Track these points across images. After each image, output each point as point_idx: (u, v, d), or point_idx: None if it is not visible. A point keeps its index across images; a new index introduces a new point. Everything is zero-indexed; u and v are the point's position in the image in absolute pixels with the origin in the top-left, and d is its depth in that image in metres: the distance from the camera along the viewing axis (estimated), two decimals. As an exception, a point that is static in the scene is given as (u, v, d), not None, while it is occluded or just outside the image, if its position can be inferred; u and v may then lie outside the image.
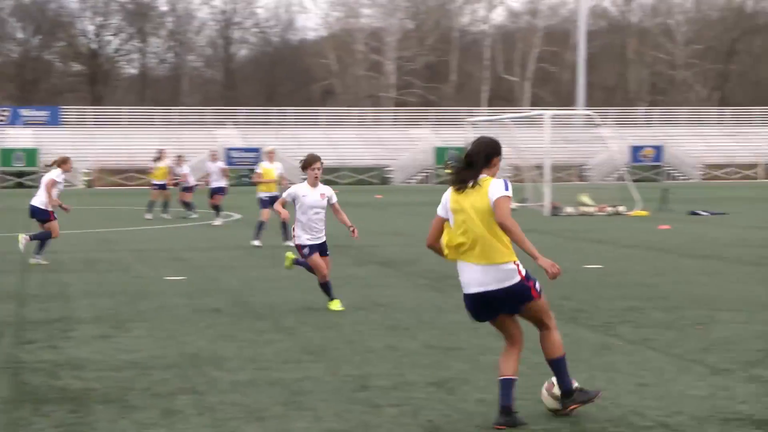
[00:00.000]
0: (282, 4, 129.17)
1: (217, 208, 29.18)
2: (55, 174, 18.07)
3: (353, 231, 13.07)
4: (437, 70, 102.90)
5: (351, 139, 79.71)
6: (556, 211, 32.41)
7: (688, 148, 79.54)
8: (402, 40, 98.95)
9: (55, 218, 18.13)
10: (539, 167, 38.04)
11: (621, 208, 32.53)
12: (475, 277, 7.35)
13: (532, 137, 67.27)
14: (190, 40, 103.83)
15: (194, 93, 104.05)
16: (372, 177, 74.16)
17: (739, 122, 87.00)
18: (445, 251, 7.39)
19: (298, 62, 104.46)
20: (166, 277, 16.10)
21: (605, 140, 45.25)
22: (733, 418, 7.31)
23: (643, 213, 31.67)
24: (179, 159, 33.23)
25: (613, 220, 30.13)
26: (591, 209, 32.66)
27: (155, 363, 9.48)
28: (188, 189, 32.62)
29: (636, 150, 76.63)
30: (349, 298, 13.52)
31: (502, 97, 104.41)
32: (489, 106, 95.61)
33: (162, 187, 32.19)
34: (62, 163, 18.09)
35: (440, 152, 74.25)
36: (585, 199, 34.06)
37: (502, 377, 7.35)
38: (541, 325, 7.66)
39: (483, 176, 7.34)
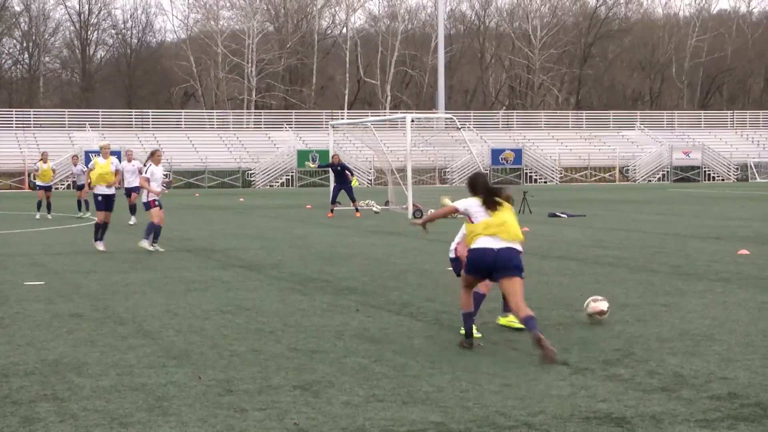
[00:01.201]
0: (140, 6, 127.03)
1: (133, 208, 30.58)
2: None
3: None
4: (298, 73, 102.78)
5: (213, 142, 79.02)
6: (418, 213, 32.67)
7: (546, 151, 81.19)
8: (262, 42, 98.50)
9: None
10: (401, 170, 38.33)
11: (482, 211, 32.95)
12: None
13: (394, 140, 67.83)
14: (45, 41, 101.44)
15: (51, 95, 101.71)
16: (234, 180, 73.62)
17: (595, 126, 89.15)
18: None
19: (157, 64, 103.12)
20: (26, 282, 15.72)
21: (466, 143, 45.83)
22: (594, 417, 7.49)
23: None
24: (74, 158, 34.82)
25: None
26: (453, 212, 33.00)
27: (15, 370, 9.24)
28: (82, 187, 34.08)
29: (496, 153, 77.88)
30: (212, 302, 13.40)
31: (364, 100, 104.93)
32: (350, 109, 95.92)
33: (47, 188, 33.51)
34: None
35: (302, 155, 74.16)
36: (447, 201, 34.35)
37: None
38: None
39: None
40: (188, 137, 78.69)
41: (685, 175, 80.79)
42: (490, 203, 10.42)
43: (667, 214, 33.92)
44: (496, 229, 10.18)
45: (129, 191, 30.86)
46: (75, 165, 36.25)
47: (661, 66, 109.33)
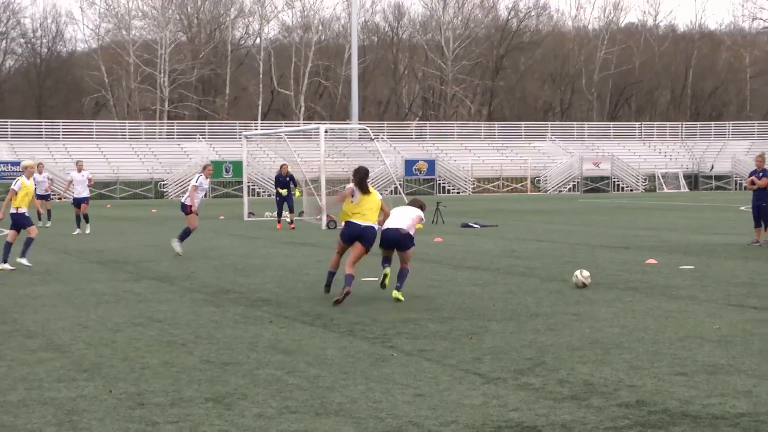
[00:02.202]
0: (50, 15, 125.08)
1: (86, 218, 30.90)
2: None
3: None
4: (212, 83, 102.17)
5: (124, 153, 78.15)
6: (332, 224, 32.66)
7: (459, 162, 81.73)
8: (175, 52, 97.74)
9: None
10: (315, 181, 38.29)
11: (396, 221, 33.04)
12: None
13: (308, 151, 67.75)
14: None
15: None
16: (146, 191, 72.86)
17: (507, 137, 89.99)
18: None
19: (68, 74, 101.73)
20: (-72, 296, 15.38)
21: (380, 154, 46.04)
22: (505, 426, 7.55)
23: (418, 226, 32.29)
24: (39, 166, 34.42)
25: (388, 232, 30.61)
26: (366, 222, 33.03)
27: None
28: (44, 197, 33.97)
29: (410, 164, 78.19)
30: (124, 315, 13.24)
31: (277, 110, 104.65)
32: (264, 119, 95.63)
33: None
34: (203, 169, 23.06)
35: (216, 166, 73.67)
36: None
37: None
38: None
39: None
40: (100, 148, 77.70)
41: (595, 185, 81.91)
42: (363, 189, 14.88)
43: (577, 224, 34.36)
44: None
45: (79, 201, 30.85)
46: (40, 173, 34.69)
47: (571, 78, 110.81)
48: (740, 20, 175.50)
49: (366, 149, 75.73)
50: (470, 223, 33.30)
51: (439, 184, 78.75)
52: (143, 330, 12.03)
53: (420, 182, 78.00)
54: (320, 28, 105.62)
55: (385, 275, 15.03)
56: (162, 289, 16.15)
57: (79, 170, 31.62)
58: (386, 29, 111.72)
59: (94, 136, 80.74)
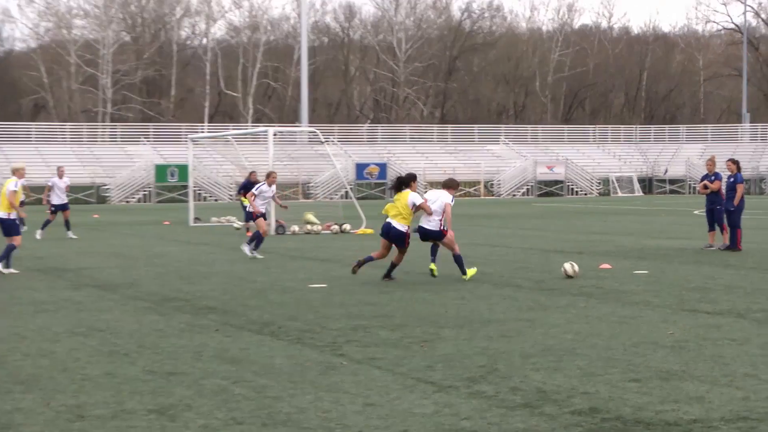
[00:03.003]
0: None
1: (67, 224, 31.26)
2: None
3: None
4: (156, 84, 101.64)
5: (65, 156, 77.41)
6: (281, 229, 32.60)
7: (411, 166, 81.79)
8: (118, 53, 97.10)
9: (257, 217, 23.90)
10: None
11: (347, 227, 33.08)
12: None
13: (256, 154, 67.58)
14: None
15: None
16: (88, 196, 72.26)
17: (460, 140, 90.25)
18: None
19: (5, 75, 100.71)
20: None
21: (330, 157, 46.04)
22: (457, 434, 7.56)
23: (369, 231, 32.33)
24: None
25: (338, 238, 30.60)
26: (316, 228, 33.04)
27: None
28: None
29: (361, 167, 78.21)
30: (63, 324, 13.12)
31: (225, 113, 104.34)
32: (211, 122, 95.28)
33: None
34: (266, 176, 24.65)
35: (161, 170, 73.27)
36: (310, 217, 34.42)
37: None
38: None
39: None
40: (38, 151, 76.95)
41: (549, 189, 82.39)
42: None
43: (531, 228, 34.55)
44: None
45: (57, 208, 31.39)
46: None
47: (525, 80, 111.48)
48: (694, 23, 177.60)
49: (316, 152, 75.60)
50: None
51: (391, 188, 78.82)
52: (84, 340, 11.93)
53: (371, 186, 78.05)
54: (269, 28, 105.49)
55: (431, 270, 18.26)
56: (104, 298, 16.02)
57: (61, 176, 31.94)
58: (337, 30, 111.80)
59: (33, 139, 79.95)
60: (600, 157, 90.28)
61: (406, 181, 18.28)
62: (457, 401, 8.59)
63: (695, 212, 45.74)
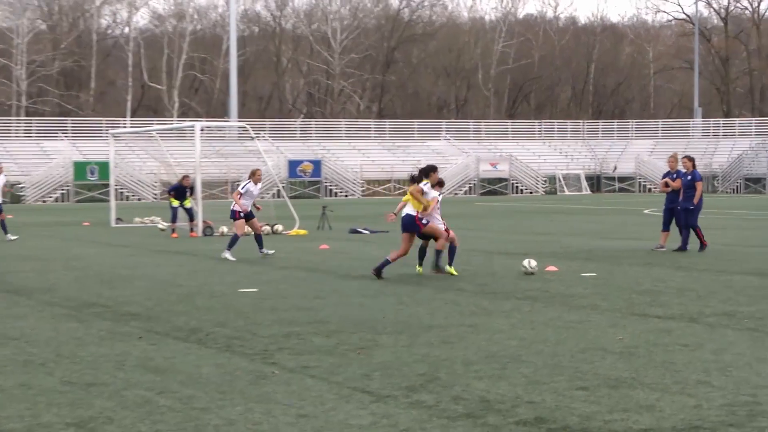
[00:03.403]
0: None
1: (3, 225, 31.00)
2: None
3: None
4: (75, 76, 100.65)
5: (-24, 153, 76.48)
6: (208, 230, 32.44)
7: (347, 163, 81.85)
8: (33, 42, 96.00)
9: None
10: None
11: (279, 227, 33.00)
12: None
13: (182, 151, 67.19)
14: None
15: None
16: (1, 195, 71.32)
17: (398, 136, 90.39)
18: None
19: None
20: None
21: (261, 154, 45.86)
22: (396, 446, 7.57)
23: (302, 232, 32.29)
24: None
25: (270, 240, 30.52)
26: (247, 229, 32.85)
27: None
28: None
29: (294, 165, 78.08)
30: (-25, 333, 12.95)
31: (149, 106, 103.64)
32: (134, 116, 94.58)
33: None
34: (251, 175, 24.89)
35: (80, 167, 72.61)
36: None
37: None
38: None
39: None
40: (-52, 147, 75.96)
41: (493, 187, 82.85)
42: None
43: (473, 229, 34.69)
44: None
45: None
46: None
47: (467, 72, 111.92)
48: (643, 13, 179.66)
49: (246, 149, 75.32)
50: (359, 229, 33.37)
51: (326, 186, 78.79)
52: (-3, 349, 11.79)
53: (305, 184, 77.94)
54: (195, 17, 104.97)
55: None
56: (18, 303, 15.84)
57: None
58: (268, 19, 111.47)
59: (-58, 135, 78.88)
60: (546, 153, 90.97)
61: (426, 172, 19.92)
62: (395, 411, 8.59)
63: (645, 211, 46.23)
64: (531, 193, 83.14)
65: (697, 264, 21.27)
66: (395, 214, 20.12)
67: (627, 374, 9.98)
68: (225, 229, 32.58)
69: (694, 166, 24.85)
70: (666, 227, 24.87)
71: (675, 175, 24.90)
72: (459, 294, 16.48)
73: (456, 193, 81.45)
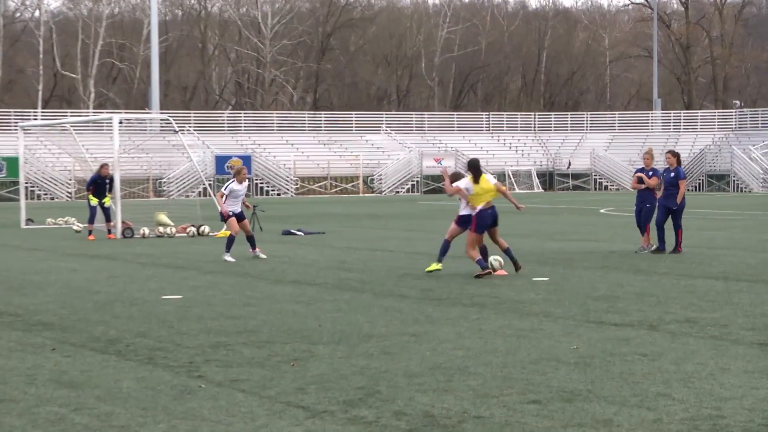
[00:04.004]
0: None
1: None
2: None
3: None
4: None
5: None
6: (128, 232, 32.24)
7: (280, 158, 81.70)
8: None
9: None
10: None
11: (205, 229, 32.88)
12: None
13: (99, 145, 66.71)
14: None
15: None
16: None
17: (335, 129, 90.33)
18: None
19: None
20: None
21: (185, 149, 45.61)
22: (334, 465, 7.57)
23: (225, 233, 32.15)
24: None
25: (196, 242, 30.40)
26: (170, 230, 32.77)
27: None
28: None
29: (222, 160, 77.80)
30: None
31: (62, 97, 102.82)
32: (45, 108, 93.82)
33: None
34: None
35: (-14, 163, 71.77)
36: (163, 217, 34.12)
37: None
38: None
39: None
40: None
41: (437, 185, 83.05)
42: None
43: (417, 230, 34.75)
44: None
45: None
46: None
47: (409, 60, 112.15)
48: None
49: (169, 143, 75.03)
50: (293, 230, 33.34)
51: (257, 184, 78.60)
52: None
53: (233, 182, 77.69)
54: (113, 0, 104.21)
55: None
56: None
57: None
58: (192, 1, 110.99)
59: None
60: (494, 148, 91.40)
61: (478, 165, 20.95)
62: (332, 428, 8.59)
63: (602, 211, 46.60)
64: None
65: (657, 267, 21.45)
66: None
67: (582, 386, 10.05)
68: (146, 230, 32.41)
69: (678, 162, 24.88)
70: (643, 230, 25.03)
71: (651, 173, 25.03)
72: (401, 300, 16.50)
73: (397, 192, 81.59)
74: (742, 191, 79.33)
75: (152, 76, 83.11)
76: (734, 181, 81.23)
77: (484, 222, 20.02)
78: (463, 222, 20.49)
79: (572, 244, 27.68)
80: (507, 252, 20.36)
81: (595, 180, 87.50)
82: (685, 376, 10.45)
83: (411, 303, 16.19)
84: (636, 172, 25.48)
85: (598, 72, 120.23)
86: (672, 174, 24.77)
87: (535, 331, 13.42)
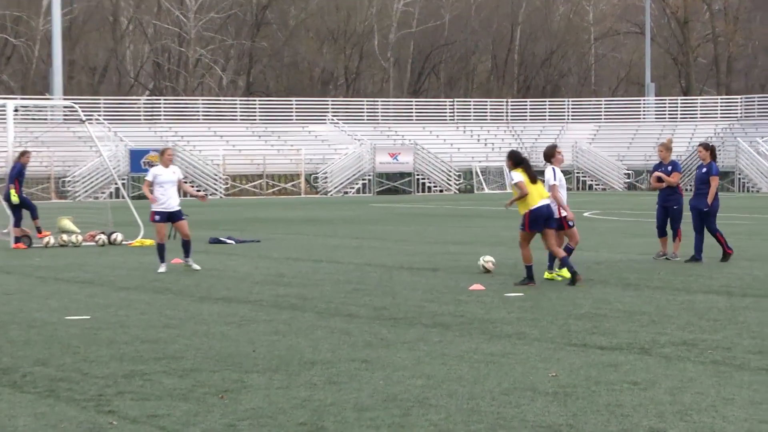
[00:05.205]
0: None
1: None
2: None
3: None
4: None
5: None
6: (26, 240, 32.01)
7: (207, 153, 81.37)
8: None
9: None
10: (1, 179, 37.44)
11: (118, 237, 32.70)
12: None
13: (-9, 138, 66.20)
14: None
15: None
16: None
17: (272, 118, 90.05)
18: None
19: None
20: None
21: (94, 142, 45.21)
22: None
23: (148, 242, 32.04)
24: None
25: (107, 252, 30.25)
26: (75, 238, 32.56)
27: None
28: None
29: (137, 155, 77.42)
30: None
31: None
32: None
33: None
34: None
35: None
36: (67, 223, 33.89)
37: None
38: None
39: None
40: None
41: (392, 184, 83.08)
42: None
43: (368, 237, 34.75)
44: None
45: None
46: None
47: (359, 37, 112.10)
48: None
49: (74, 135, 74.60)
50: (222, 238, 33.26)
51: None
52: None
53: (151, 181, 77.33)
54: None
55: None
56: None
57: None
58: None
59: None
60: (460, 141, 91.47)
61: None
62: (269, 472, 8.59)
63: (586, 214, 46.77)
64: (441, 191, 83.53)
65: (649, 281, 21.57)
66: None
67: (562, 420, 10.09)
68: (51, 238, 32.17)
69: (713, 156, 24.99)
70: (662, 232, 25.19)
71: (670, 168, 25.13)
72: (350, 320, 16.51)
73: (346, 192, 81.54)
74: (748, 191, 79.82)
75: (53, 56, 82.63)
76: (739, 179, 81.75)
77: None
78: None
79: (551, 254, 27.75)
80: None
81: (578, 178, 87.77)
82: (683, 408, 10.52)
83: (362, 323, 16.19)
84: (654, 170, 25.60)
85: (581, 51, 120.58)
86: (704, 170, 24.84)
87: (507, 355, 13.46)
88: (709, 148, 25.12)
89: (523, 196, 20.73)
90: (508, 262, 25.13)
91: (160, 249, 24.18)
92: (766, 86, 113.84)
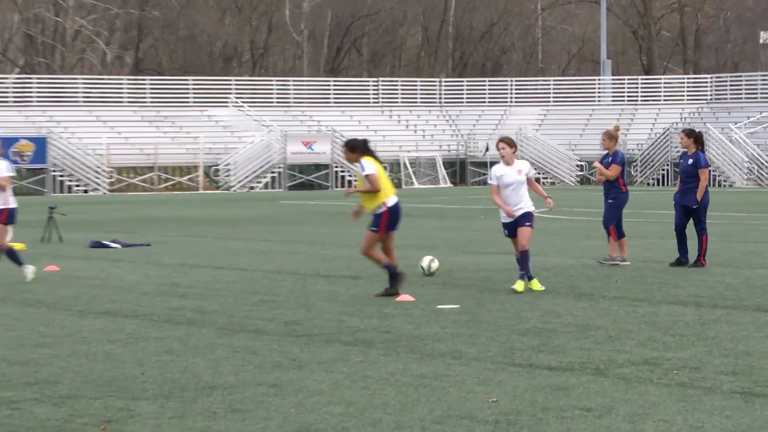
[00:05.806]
0: None
1: None
2: None
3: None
4: None
5: None
6: None
7: (87, 141, 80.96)
8: None
9: None
10: None
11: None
12: None
13: None
14: None
15: None
16: None
17: (165, 101, 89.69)
18: None
19: None
20: None
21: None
22: None
23: (19, 246, 31.84)
24: None
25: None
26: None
27: None
28: None
29: (6, 143, 76.76)
30: None
31: None
32: None
33: None
34: None
35: None
36: None
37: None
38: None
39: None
40: None
41: (307, 178, 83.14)
42: None
43: (278, 240, 34.75)
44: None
45: None
46: None
47: (267, 6, 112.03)
48: None
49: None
50: (105, 242, 33.12)
51: (54, 176, 77.84)
52: None
53: (22, 174, 76.78)
54: None
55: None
56: None
57: None
58: None
59: None
60: (386, 127, 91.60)
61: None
62: None
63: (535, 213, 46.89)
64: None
65: (605, 290, 21.67)
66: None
67: (504, 453, 10.12)
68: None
69: (699, 145, 24.99)
70: (609, 232, 25.24)
71: (610, 158, 25.26)
72: (256, 337, 16.48)
73: (252, 187, 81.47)
74: (720, 185, 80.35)
75: None
76: (710, 171, 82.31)
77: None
78: None
79: (491, 259, 27.87)
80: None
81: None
82: (644, 439, 10.58)
83: (270, 341, 16.17)
84: (601, 161, 25.77)
85: (526, 23, 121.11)
86: (690, 161, 24.90)
87: (440, 378, 13.48)
88: (692, 135, 25.09)
89: (374, 191, 20.65)
90: (442, 268, 25.21)
91: (12, 252, 23.93)
92: (739, 64, 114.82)
